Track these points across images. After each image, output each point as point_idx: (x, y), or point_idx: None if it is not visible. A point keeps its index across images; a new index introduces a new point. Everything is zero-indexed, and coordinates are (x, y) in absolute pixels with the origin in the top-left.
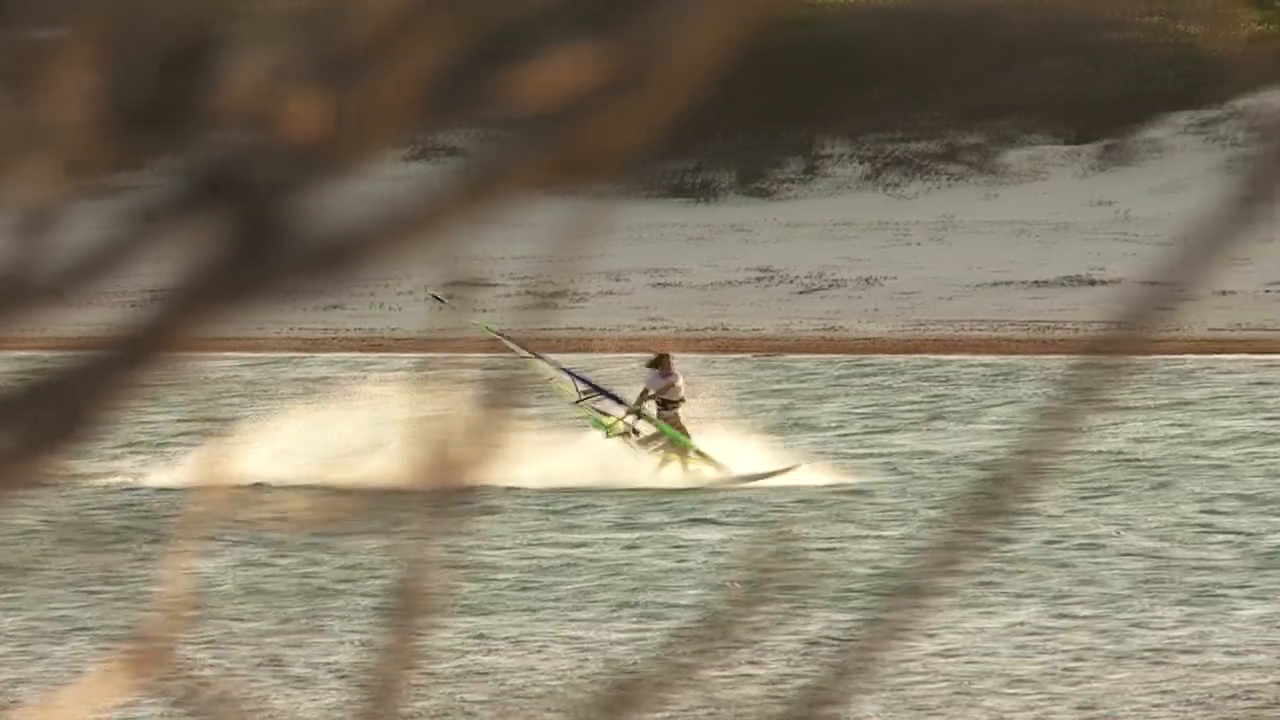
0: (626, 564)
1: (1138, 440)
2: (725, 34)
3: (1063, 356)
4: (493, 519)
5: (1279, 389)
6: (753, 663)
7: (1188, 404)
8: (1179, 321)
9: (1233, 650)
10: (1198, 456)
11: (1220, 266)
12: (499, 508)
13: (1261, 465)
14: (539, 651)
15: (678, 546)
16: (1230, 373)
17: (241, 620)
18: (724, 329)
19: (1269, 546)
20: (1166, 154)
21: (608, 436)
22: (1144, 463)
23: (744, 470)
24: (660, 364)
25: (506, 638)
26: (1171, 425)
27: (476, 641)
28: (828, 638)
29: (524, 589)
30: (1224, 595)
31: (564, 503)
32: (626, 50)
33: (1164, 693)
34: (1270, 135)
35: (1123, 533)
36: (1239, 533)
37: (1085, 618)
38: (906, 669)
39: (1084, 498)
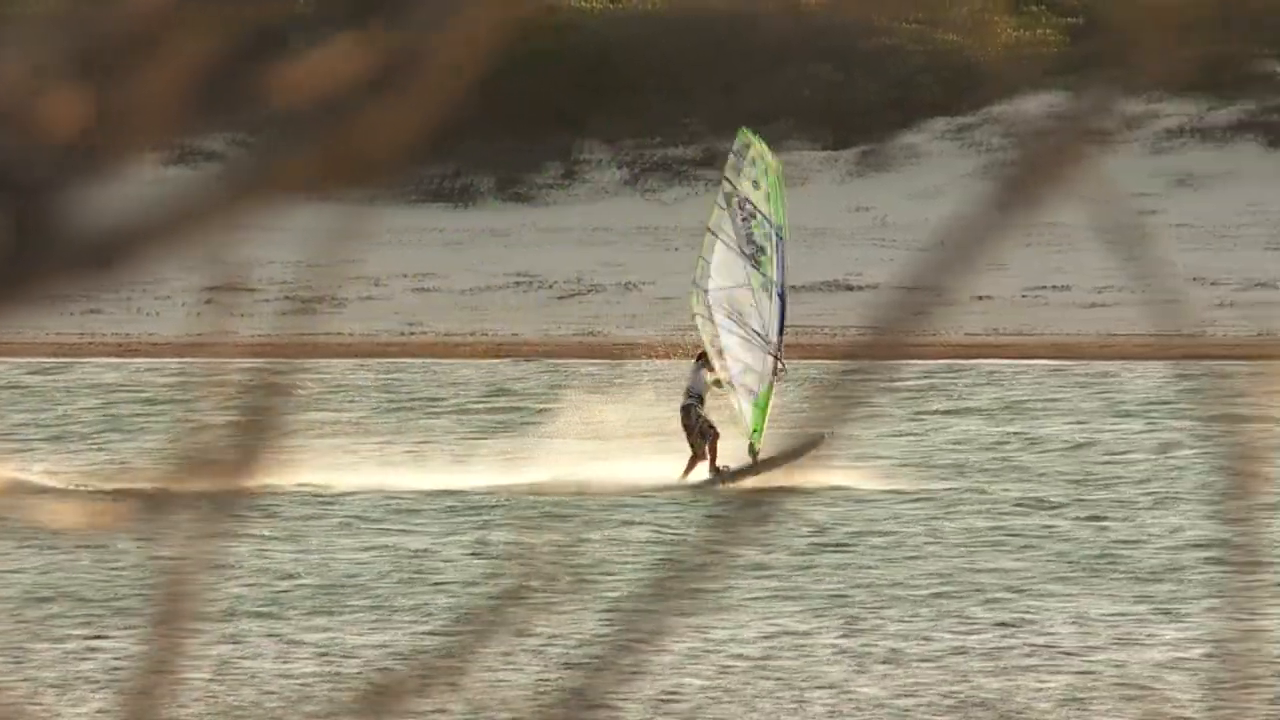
0: (415, 567)
1: (896, 439)
2: (486, 34)
3: (821, 361)
4: (286, 522)
5: (1036, 393)
6: (517, 664)
7: (943, 408)
8: (936, 326)
9: (987, 654)
10: (958, 460)
11: (978, 271)
12: (279, 511)
13: (1019, 467)
14: (291, 657)
15: (460, 549)
16: (989, 376)
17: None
18: (484, 334)
19: (1016, 549)
20: (924, 160)
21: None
22: (907, 463)
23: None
24: (707, 361)
25: (288, 640)
26: (931, 428)
27: (244, 644)
28: (589, 640)
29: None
30: (968, 598)
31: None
32: (388, 48)
33: (909, 695)
34: (1026, 142)
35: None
36: (997, 534)
37: (840, 624)
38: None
39: (850, 499)
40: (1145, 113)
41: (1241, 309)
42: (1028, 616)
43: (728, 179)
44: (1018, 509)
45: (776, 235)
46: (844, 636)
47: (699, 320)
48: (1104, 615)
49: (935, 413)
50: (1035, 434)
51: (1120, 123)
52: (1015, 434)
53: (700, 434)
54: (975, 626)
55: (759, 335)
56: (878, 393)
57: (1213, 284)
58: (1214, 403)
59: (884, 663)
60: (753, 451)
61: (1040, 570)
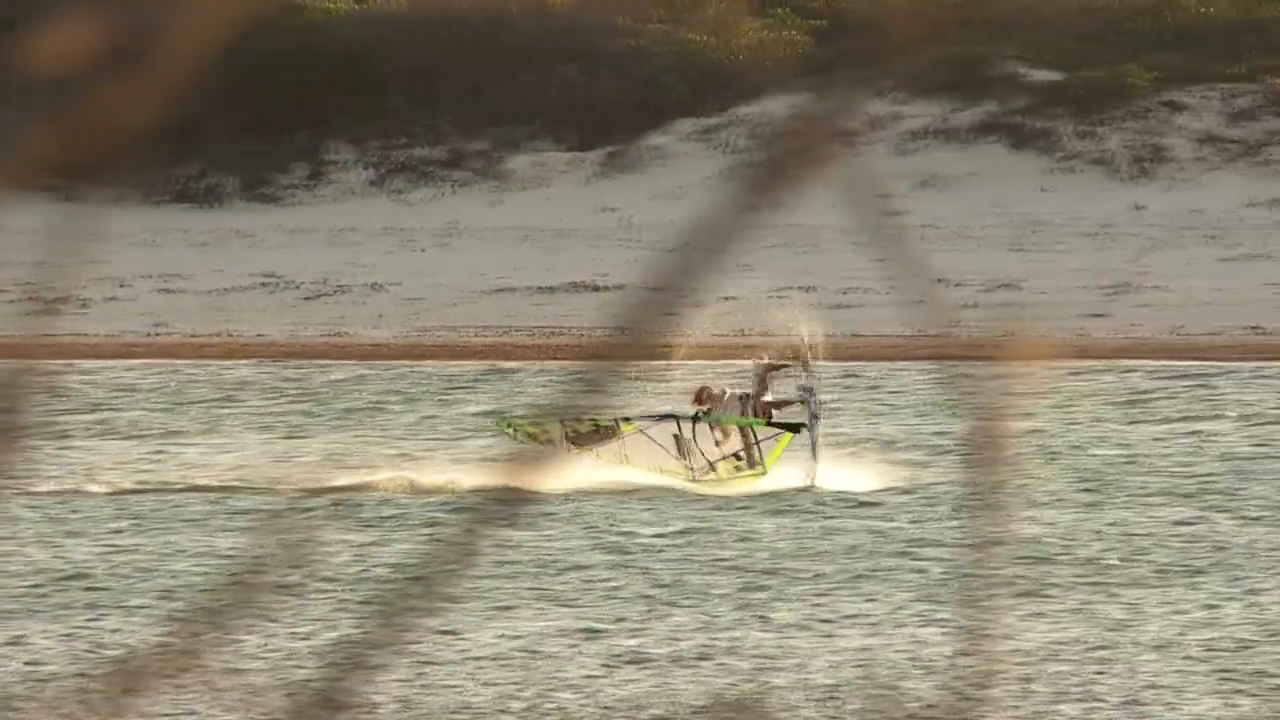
0: (154, 564)
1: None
2: (215, 20)
3: (567, 362)
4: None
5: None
6: (263, 655)
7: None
8: (678, 327)
9: (739, 654)
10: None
11: (724, 272)
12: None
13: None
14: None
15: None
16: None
17: None
18: (230, 335)
19: (770, 549)
20: (670, 161)
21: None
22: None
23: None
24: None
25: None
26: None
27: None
28: (339, 640)
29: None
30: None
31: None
32: (122, 26)
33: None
34: (771, 143)
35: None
36: (751, 535)
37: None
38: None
39: (595, 502)
40: (889, 114)
41: (985, 310)
42: (780, 616)
43: None
44: (777, 509)
45: None
46: (593, 638)
47: None
48: (850, 615)
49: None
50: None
51: (865, 124)
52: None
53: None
54: (727, 626)
55: None
56: (623, 392)
57: (957, 285)
58: (962, 401)
59: (632, 663)
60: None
61: (793, 570)
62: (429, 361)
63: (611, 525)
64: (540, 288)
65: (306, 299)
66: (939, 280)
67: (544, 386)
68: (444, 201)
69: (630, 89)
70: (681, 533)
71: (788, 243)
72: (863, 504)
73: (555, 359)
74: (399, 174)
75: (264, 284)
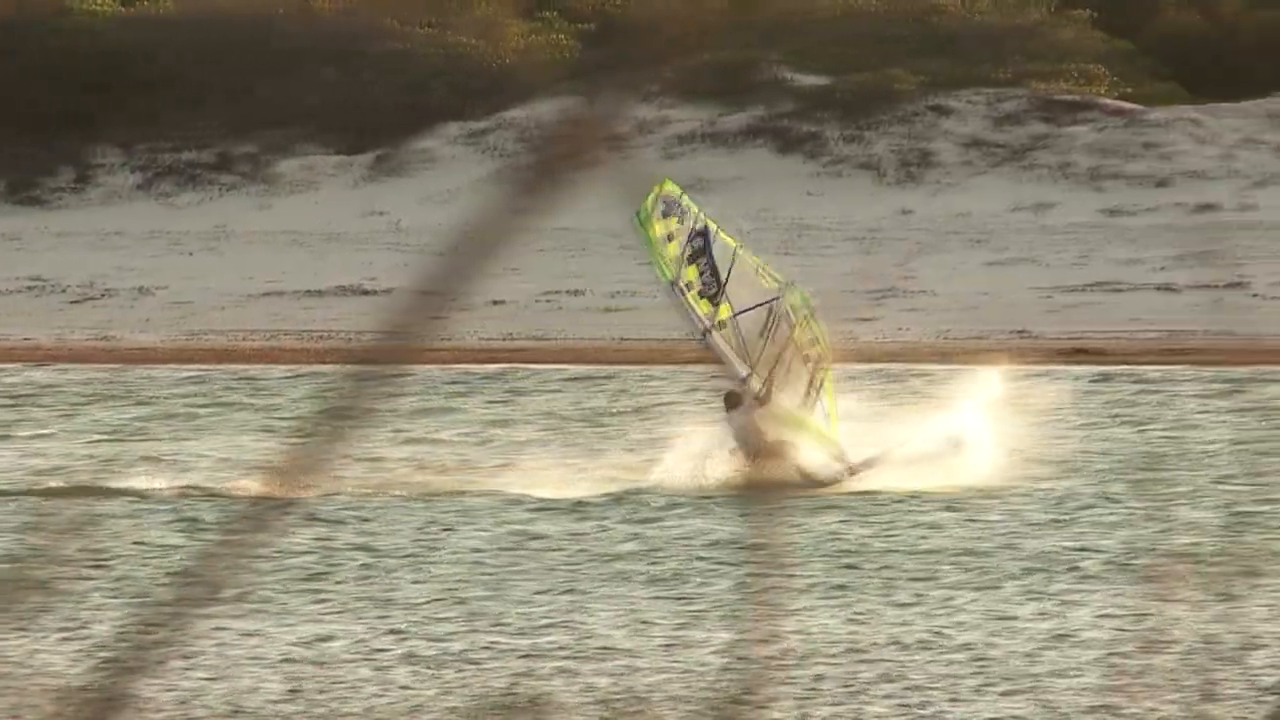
0: None
1: (419, 444)
2: None
3: (336, 365)
4: None
5: (555, 397)
6: (47, 662)
7: (460, 411)
8: (451, 330)
9: (526, 655)
10: (478, 462)
11: (493, 276)
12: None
13: (536, 471)
14: None
15: None
16: (514, 380)
17: None
18: None
19: (554, 551)
20: (438, 164)
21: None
22: (426, 466)
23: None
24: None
25: None
26: (446, 432)
27: None
28: (115, 638)
29: None
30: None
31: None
32: None
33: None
34: (540, 147)
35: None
36: (534, 537)
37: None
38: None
39: (382, 507)
40: (657, 118)
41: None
42: (569, 618)
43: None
44: (552, 511)
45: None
46: (378, 637)
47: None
48: (645, 617)
49: (439, 411)
50: (552, 437)
51: (633, 128)
52: (538, 437)
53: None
54: (513, 627)
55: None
56: (392, 396)
57: None
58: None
59: (408, 663)
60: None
61: (580, 572)
62: (197, 365)
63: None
64: (309, 291)
65: (74, 302)
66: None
67: (310, 391)
68: (212, 205)
69: (398, 92)
70: (490, 535)
71: (556, 246)
72: (637, 505)
73: (324, 362)
74: (166, 177)
75: (30, 287)
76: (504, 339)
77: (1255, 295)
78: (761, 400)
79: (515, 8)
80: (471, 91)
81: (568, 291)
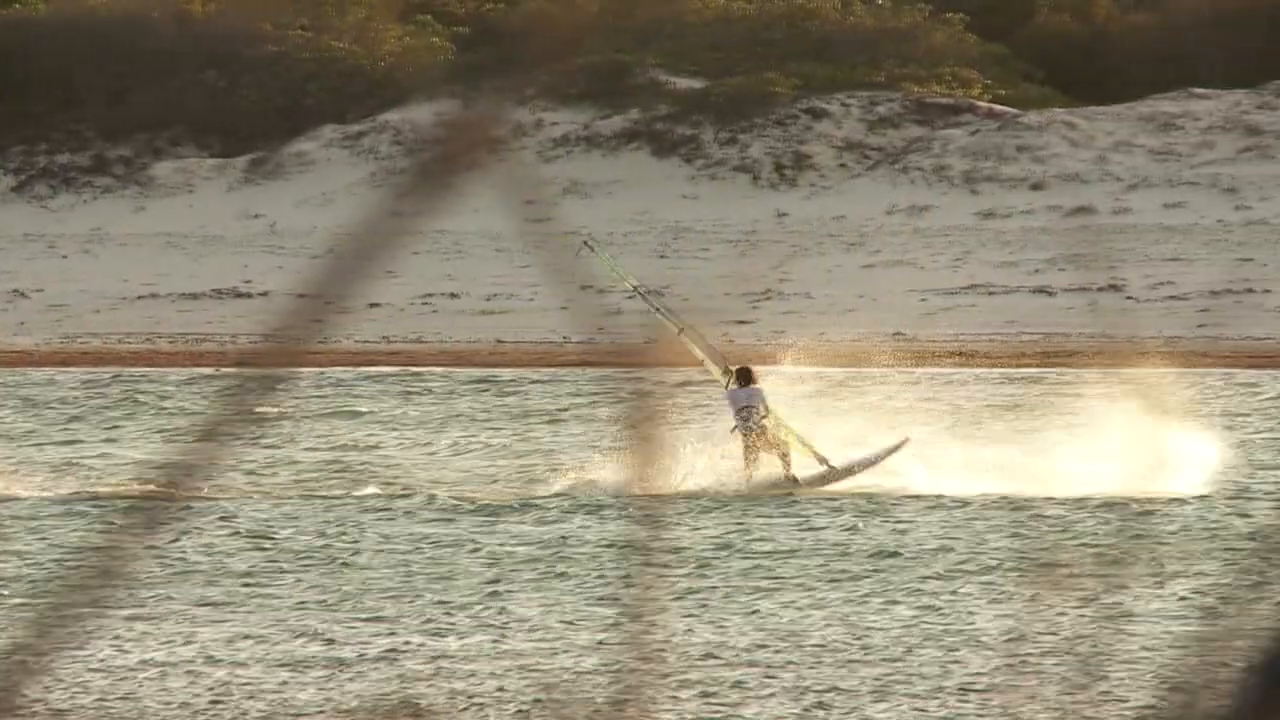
0: None
1: (303, 448)
2: None
3: (213, 368)
4: None
5: (429, 400)
6: None
7: (337, 414)
8: (331, 333)
9: (426, 657)
10: (357, 465)
11: (371, 279)
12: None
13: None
14: None
15: None
16: (379, 384)
17: None
18: None
19: (432, 554)
20: (314, 167)
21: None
22: (322, 468)
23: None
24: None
25: None
26: (325, 436)
27: None
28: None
29: None
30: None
31: None
32: None
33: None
34: (416, 150)
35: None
36: (416, 540)
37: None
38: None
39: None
40: (534, 121)
41: (630, 316)
42: (456, 620)
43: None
44: (451, 514)
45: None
46: (283, 643)
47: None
48: (522, 618)
49: (320, 416)
50: (438, 440)
51: (510, 131)
52: (409, 440)
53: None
54: (401, 629)
55: None
56: (271, 399)
57: (599, 292)
58: (614, 406)
59: (323, 668)
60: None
61: (472, 573)
62: (74, 368)
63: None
64: (185, 294)
65: None
66: (582, 288)
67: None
68: (88, 208)
69: (274, 95)
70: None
71: (432, 249)
72: (523, 509)
73: (201, 365)
74: (41, 180)
75: None
76: (381, 341)
77: (1130, 298)
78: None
79: (390, 11)
80: (347, 95)
81: (444, 294)
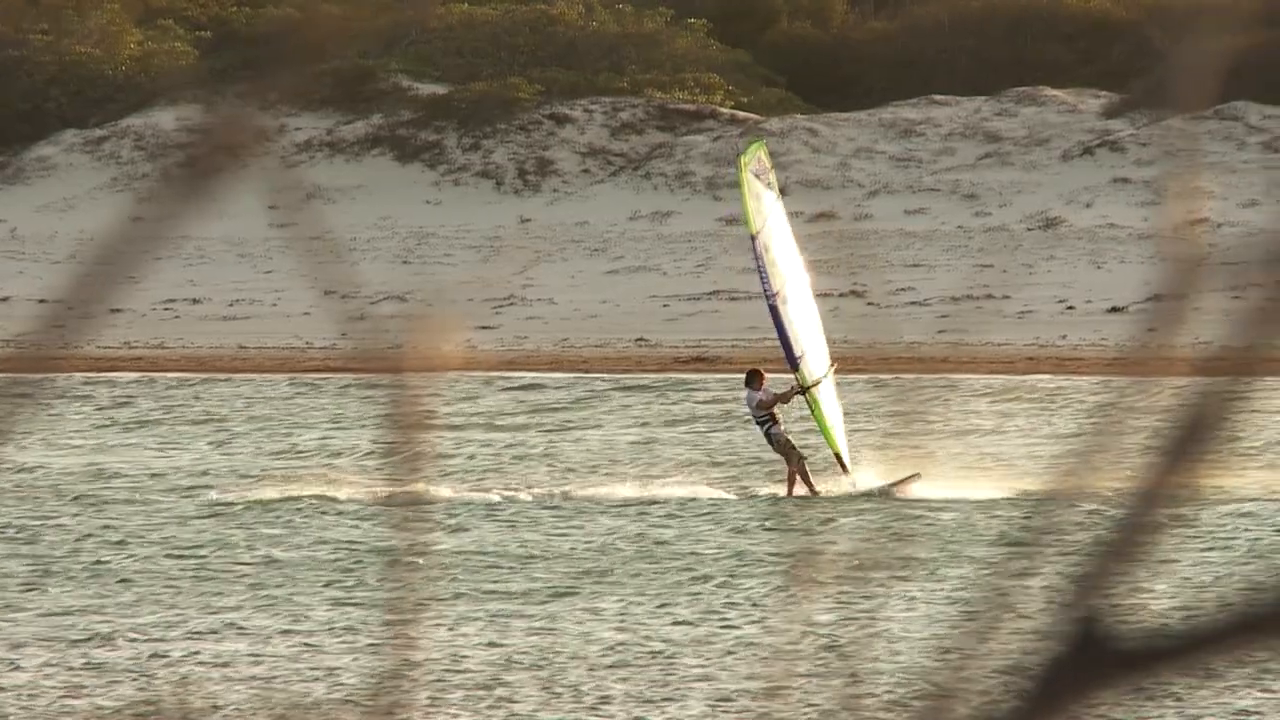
0: None
1: (67, 450)
2: None
3: None
4: None
5: (179, 403)
6: None
7: (85, 418)
8: (73, 339)
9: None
10: (115, 467)
11: (117, 284)
12: None
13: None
14: None
15: None
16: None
17: None
18: None
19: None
20: (55, 172)
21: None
22: (85, 472)
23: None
24: (754, 381)
25: None
26: (75, 440)
27: None
28: None
29: None
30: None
31: None
32: None
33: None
34: (162, 154)
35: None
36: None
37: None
38: None
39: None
40: (276, 127)
41: (374, 321)
42: (219, 623)
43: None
44: (213, 516)
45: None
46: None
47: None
48: (294, 624)
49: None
50: (172, 446)
51: (254, 136)
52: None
53: (784, 451)
54: (157, 633)
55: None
56: (27, 405)
57: (344, 297)
58: (373, 412)
59: (77, 670)
60: (842, 466)
61: (239, 576)
62: None
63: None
64: None
65: None
66: (329, 292)
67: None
68: None
69: (13, 100)
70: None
71: (174, 255)
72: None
73: None
74: None
75: None
76: (123, 347)
77: (871, 304)
78: (785, 397)
79: (132, 15)
80: (89, 99)
81: (187, 300)
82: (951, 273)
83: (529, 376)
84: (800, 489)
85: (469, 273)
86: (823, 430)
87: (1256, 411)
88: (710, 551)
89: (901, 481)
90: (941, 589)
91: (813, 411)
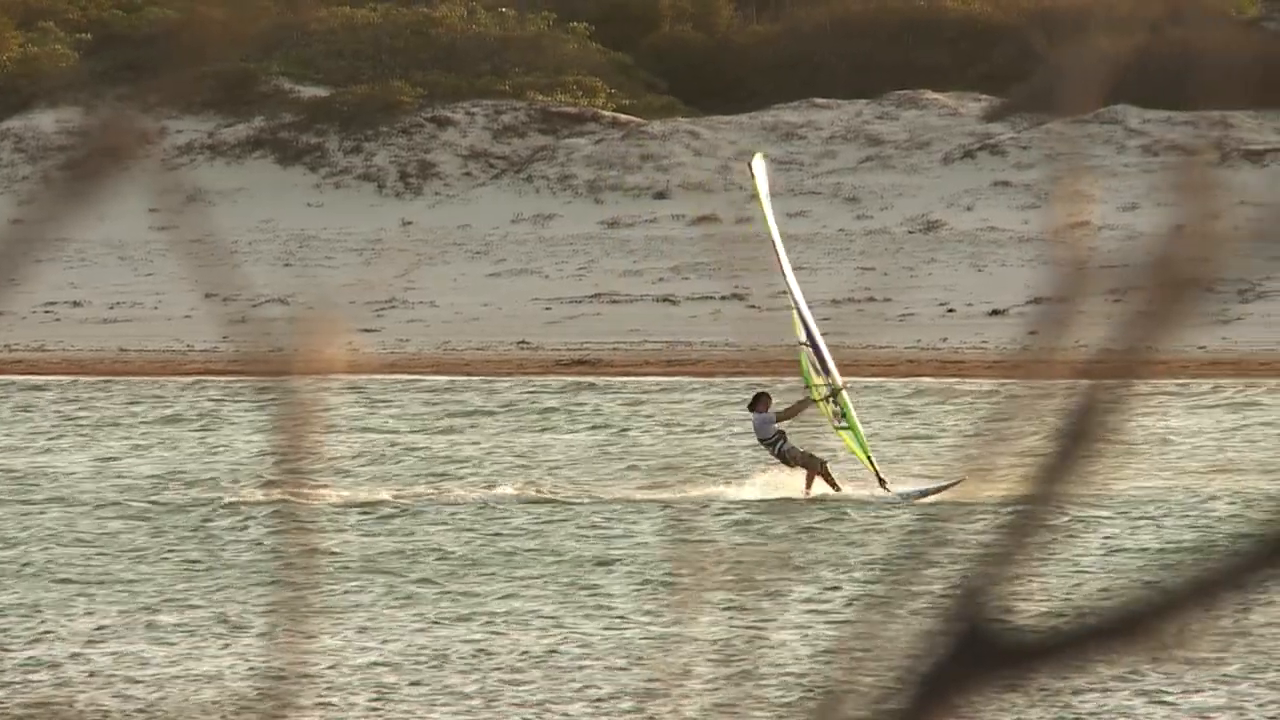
0: None
1: None
2: None
3: None
4: None
5: (72, 408)
6: None
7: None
8: None
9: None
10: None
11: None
12: None
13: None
14: None
15: None
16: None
17: None
18: None
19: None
20: None
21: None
22: None
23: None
24: (759, 404)
25: None
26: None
27: None
28: None
29: None
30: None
31: None
32: None
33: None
34: (41, 157)
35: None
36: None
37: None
38: None
39: None
40: (158, 129)
41: (256, 324)
42: (97, 627)
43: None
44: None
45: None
46: None
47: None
48: (178, 627)
49: None
50: (60, 454)
51: (135, 138)
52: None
53: (804, 462)
54: (27, 637)
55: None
56: None
57: (225, 300)
58: (265, 416)
59: None
60: (879, 478)
61: (122, 579)
62: None
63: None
64: None
65: None
66: (210, 295)
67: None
68: None
69: None
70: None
71: (55, 257)
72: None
73: None
74: None
75: None
76: (3, 350)
77: (753, 306)
78: (794, 411)
79: (12, 17)
80: None
81: (67, 302)
82: (833, 275)
83: (424, 379)
84: (821, 486)
85: (351, 276)
86: (857, 437)
87: (1142, 414)
88: (595, 553)
89: (945, 487)
90: (829, 590)
91: (847, 420)
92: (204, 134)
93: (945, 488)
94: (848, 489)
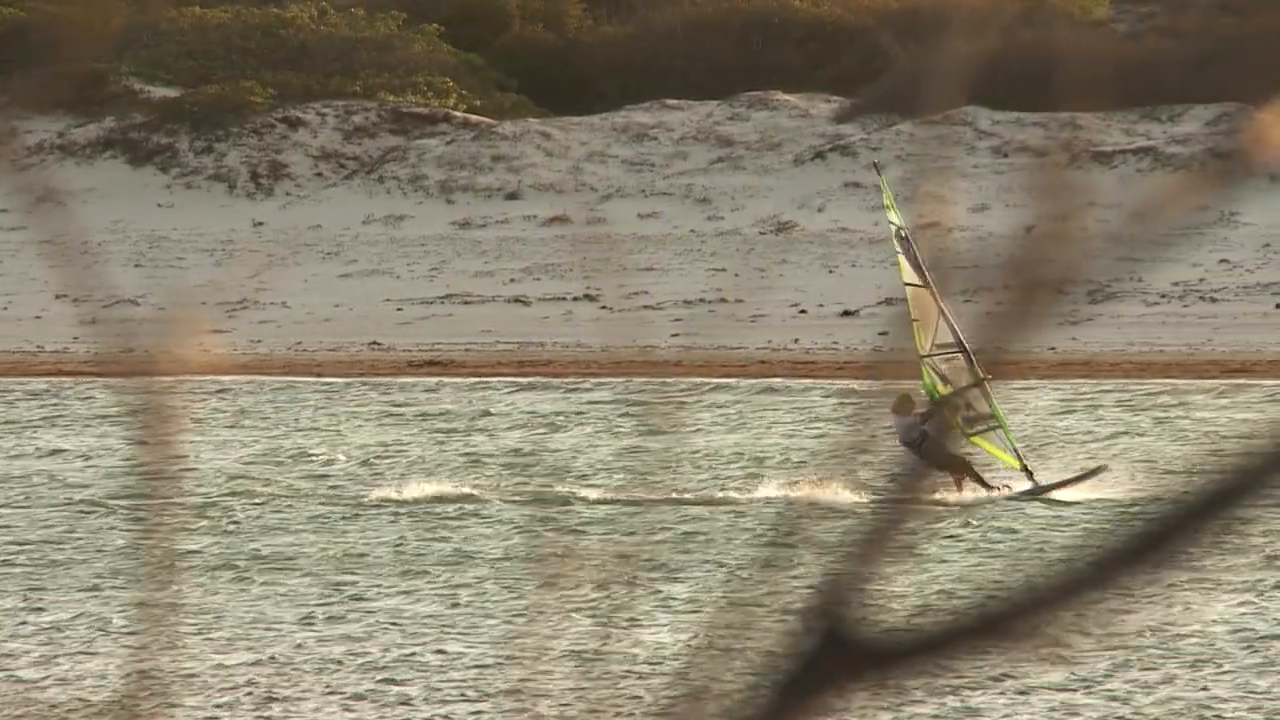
0: None
1: None
2: None
3: None
4: None
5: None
6: None
7: None
8: None
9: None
10: None
11: None
12: None
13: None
14: None
15: None
16: None
17: None
18: None
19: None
20: None
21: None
22: None
23: (1042, 480)
24: (903, 407)
25: None
26: None
27: None
28: None
29: None
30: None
31: None
32: None
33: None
34: None
35: None
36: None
37: None
38: None
39: None
40: (9, 129)
41: (106, 326)
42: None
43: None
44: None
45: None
46: None
47: (931, 373)
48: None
49: None
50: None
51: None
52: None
53: (950, 463)
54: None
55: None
56: None
57: (76, 301)
58: (126, 419)
59: None
60: (1026, 469)
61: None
62: None
63: None
64: None
65: None
66: (61, 295)
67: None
68: None
69: None
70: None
71: None
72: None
73: None
74: None
75: None
76: None
77: (605, 307)
78: (932, 412)
79: None
80: None
81: None
82: (685, 277)
83: (273, 380)
84: (972, 488)
85: (203, 276)
86: (1004, 431)
87: (1014, 411)
88: (469, 551)
89: (1084, 476)
90: (690, 590)
91: (995, 415)
92: (55, 134)
93: (1084, 477)
94: (979, 493)
